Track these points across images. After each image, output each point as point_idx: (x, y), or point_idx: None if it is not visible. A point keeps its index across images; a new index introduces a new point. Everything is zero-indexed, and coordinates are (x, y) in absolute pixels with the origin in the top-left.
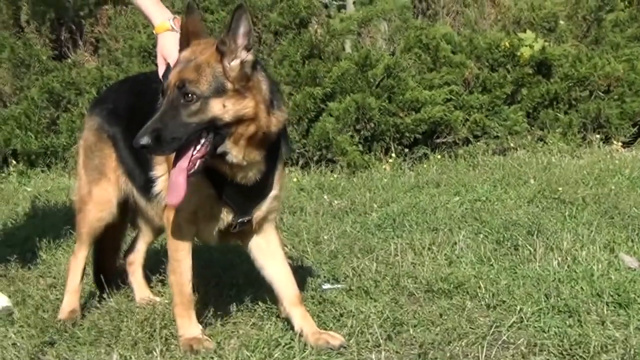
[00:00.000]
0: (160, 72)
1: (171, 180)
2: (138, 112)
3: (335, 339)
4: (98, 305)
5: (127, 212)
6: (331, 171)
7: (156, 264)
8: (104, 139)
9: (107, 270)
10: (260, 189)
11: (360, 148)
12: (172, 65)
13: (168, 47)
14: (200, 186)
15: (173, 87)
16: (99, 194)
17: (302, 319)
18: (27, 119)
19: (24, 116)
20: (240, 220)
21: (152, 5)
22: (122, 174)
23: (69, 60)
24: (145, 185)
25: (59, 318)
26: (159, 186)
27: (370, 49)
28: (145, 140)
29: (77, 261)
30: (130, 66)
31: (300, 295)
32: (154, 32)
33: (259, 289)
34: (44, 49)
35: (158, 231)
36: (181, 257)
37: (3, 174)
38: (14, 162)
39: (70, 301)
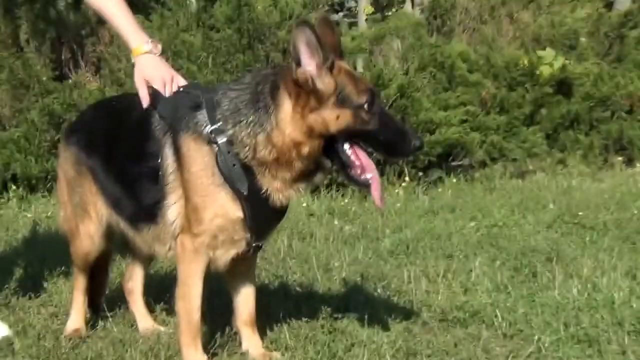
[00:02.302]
0: (142, 94)
1: (377, 183)
2: (119, 140)
3: None
4: (101, 334)
5: (112, 238)
6: (342, 195)
7: (160, 290)
8: (83, 172)
9: (97, 294)
10: (284, 212)
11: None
12: (158, 86)
13: (148, 70)
14: (229, 209)
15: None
16: (84, 231)
17: (249, 339)
18: (27, 142)
19: (23, 139)
20: (256, 244)
21: (128, 27)
22: (106, 206)
23: (70, 81)
24: (134, 216)
25: (64, 334)
26: (173, 214)
27: (382, 67)
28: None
29: (78, 282)
30: (133, 86)
31: (255, 316)
32: (131, 55)
33: (269, 317)
34: (44, 69)
35: (150, 258)
36: (193, 283)
37: (2, 199)
38: (14, 186)
39: (74, 319)
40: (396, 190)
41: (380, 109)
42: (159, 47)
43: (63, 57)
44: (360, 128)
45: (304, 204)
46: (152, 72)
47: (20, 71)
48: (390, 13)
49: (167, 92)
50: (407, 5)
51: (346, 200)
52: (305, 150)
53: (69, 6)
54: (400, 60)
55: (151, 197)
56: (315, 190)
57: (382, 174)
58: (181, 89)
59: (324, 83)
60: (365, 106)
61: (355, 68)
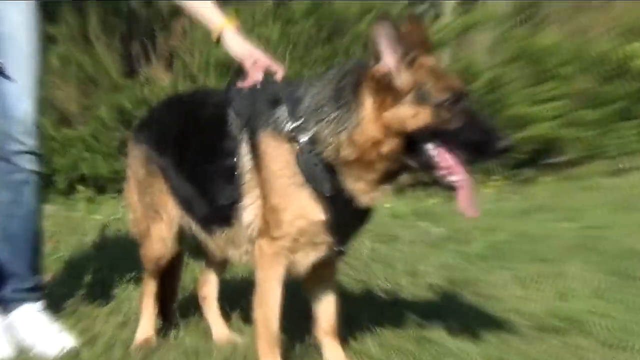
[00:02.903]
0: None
1: (466, 187)
2: (191, 137)
3: None
4: (173, 344)
5: (183, 241)
6: (428, 195)
7: (236, 296)
8: (154, 171)
9: (169, 301)
10: (368, 214)
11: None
12: (247, 64)
13: (237, 47)
14: (311, 210)
15: None
16: (156, 233)
17: (331, 349)
18: (95, 140)
19: (92, 138)
20: (338, 248)
21: (206, 7)
22: (177, 208)
23: (141, 77)
24: (207, 218)
25: (133, 344)
26: (250, 215)
27: (469, 61)
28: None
29: (149, 288)
30: (206, 81)
31: (336, 325)
32: (218, 34)
33: (351, 326)
34: (114, 64)
35: (224, 262)
36: (272, 289)
37: (70, 201)
38: (82, 188)
39: (144, 328)
40: (486, 190)
41: (465, 106)
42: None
43: (133, 52)
44: (441, 127)
45: (388, 205)
46: (241, 49)
47: (89, 67)
48: (477, 3)
49: (256, 72)
50: None
51: (433, 201)
52: (385, 149)
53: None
54: (488, 53)
55: (226, 198)
56: (399, 190)
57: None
58: (259, 84)
59: (402, 79)
60: (447, 104)
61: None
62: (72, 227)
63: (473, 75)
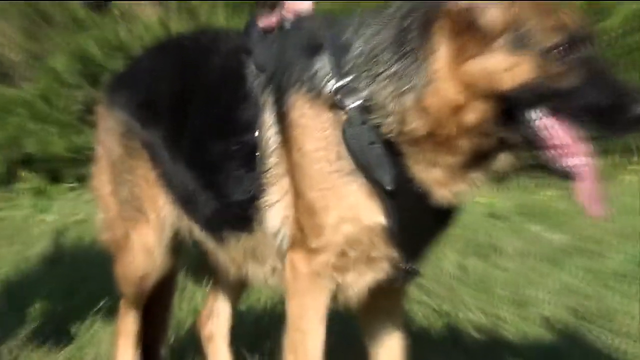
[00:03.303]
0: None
1: (588, 175)
2: (193, 102)
3: None
4: None
5: (179, 253)
6: (540, 186)
7: (256, 336)
8: (136, 150)
9: (156, 341)
10: (450, 217)
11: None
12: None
13: None
14: (364, 210)
15: None
16: (139, 241)
17: None
18: (46, 103)
19: (41, 100)
20: (407, 267)
21: None
22: (171, 204)
23: (115, 10)
24: (216, 219)
25: None
26: (277, 217)
27: None
28: None
29: (126, 323)
30: (213, 18)
31: None
32: None
33: None
34: None
35: (239, 285)
36: (310, 326)
37: (9, 194)
38: (26, 174)
39: None
40: (624, 177)
41: (586, 56)
42: None
43: None
44: (550, 85)
45: (482, 201)
46: None
47: None
48: None
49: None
50: None
51: (549, 194)
52: (470, 118)
53: None
54: None
55: (243, 190)
56: (498, 179)
57: (602, 153)
58: (289, 23)
59: (492, 15)
60: (558, 51)
61: None
62: (11, 232)
63: (605, 9)
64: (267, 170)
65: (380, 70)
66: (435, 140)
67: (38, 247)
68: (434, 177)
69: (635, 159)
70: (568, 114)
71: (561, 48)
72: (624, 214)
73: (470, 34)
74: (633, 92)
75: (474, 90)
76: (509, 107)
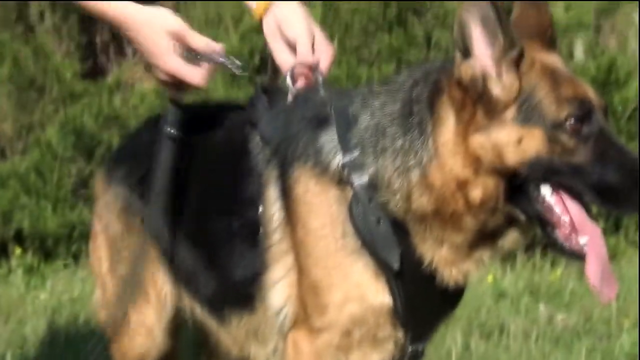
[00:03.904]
0: (282, 57)
1: (597, 254)
2: (194, 177)
3: None
4: None
5: (180, 334)
6: (550, 264)
7: None
8: (136, 226)
9: None
10: (457, 296)
11: (601, 224)
12: (304, 46)
13: (292, 20)
14: (370, 289)
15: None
16: (139, 321)
17: None
18: (39, 178)
19: (34, 173)
20: (415, 349)
21: None
22: (172, 282)
23: (110, 79)
24: (218, 298)
25: None
26: (280, 295)
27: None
28: None
29: None
30: (211, 86)
31: None
32: (254, 8)
33: None
34: (68, 59)
35: None
36: None
37: (1, 271)
38: (18, 250)
39: None
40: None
41: (598, 129)
42: None
43: (98, 40)
44: (560, 161)
45: (489, 279)
46: (299, 26)
47: (31, 63)
48: None
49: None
50: None
51: (558, 272)
52: (476, 194)
53: None
54: None
55: (245, 268)
56: (507, 256)
57: (616, 228)
58: (296, 94)
59: (503, 85)
60: (569, 124)
61: (571, 55)
62: (6, 310)
63: (621, 76)
64: (271, 247)
65: (387, 145)
66: (442, 217)
67: (30, 326)
68: (441, 256)
69: None
70: (578, 190)
71: (573, 120)
72: (635, 293)
73: (481, 103)
74: None
75: (482, 165)
76: (517, 182)
